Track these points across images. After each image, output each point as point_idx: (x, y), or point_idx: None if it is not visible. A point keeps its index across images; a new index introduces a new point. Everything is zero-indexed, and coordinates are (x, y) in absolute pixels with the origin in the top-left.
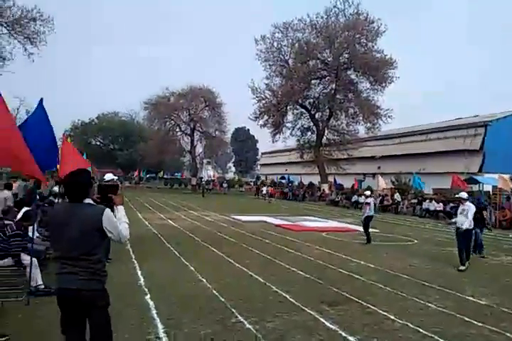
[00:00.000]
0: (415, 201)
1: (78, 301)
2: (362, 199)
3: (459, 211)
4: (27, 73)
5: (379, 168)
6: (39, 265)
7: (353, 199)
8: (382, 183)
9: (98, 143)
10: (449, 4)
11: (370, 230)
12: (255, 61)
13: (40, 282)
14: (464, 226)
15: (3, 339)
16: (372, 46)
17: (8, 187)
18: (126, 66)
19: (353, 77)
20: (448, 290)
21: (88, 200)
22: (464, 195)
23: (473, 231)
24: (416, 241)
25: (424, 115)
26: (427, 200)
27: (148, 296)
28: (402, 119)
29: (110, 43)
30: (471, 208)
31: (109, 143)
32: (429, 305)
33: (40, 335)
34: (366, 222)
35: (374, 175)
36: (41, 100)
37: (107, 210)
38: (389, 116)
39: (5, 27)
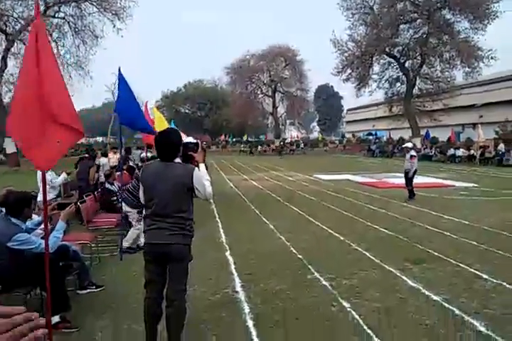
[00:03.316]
0: None
1: (166, 255)
2: (459, 152)
3: None
4: (120, 49)
5: (481, 116)
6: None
7: (449, 153)
8: (481, 135)
9: (186, 110)
10: None
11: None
12: (336, 11)
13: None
14: None
15: (100, 289)
16: None
17: (105, 155)
18: (208, 33)
19: (448, 16)
20: None
21: (177, 159)
22: None
23: None
24: None
25: None
26: None
27: (228, 252)
28: (507, 61)
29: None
30: None
31: (196, 111)
32: None
33: (130, 288)
34: (412, 176)
35: (475, 125)
36: (119, 69)
37: (196, 169)
38: (492, 58)
39: (95, 6)
